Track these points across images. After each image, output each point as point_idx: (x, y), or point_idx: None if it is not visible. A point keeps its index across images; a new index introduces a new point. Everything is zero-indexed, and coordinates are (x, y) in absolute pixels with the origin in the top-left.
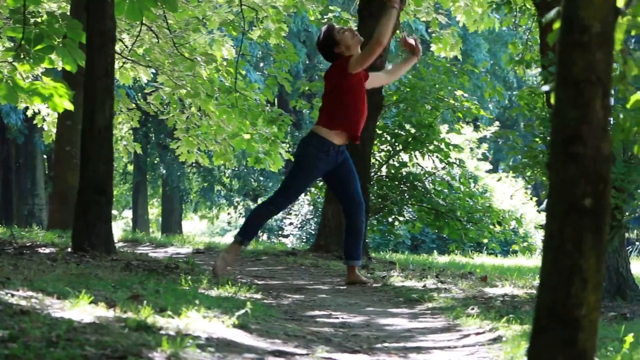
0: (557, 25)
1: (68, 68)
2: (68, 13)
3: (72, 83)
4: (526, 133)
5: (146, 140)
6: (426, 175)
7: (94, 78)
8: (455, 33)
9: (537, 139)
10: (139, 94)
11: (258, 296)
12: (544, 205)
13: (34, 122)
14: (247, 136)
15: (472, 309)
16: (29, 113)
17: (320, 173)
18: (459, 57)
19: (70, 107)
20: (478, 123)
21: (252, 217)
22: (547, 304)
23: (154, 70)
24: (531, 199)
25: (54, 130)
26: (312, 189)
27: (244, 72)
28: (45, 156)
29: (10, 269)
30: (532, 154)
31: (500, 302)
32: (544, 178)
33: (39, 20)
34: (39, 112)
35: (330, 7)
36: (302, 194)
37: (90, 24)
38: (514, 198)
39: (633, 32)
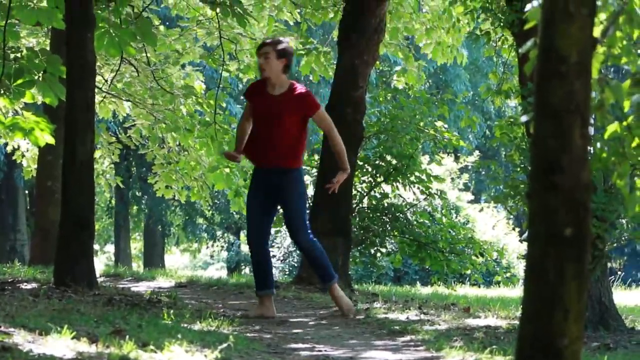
0: (533, 54)
1: (49, 102)
2: (48, 47)
3: (53, 117)
4: (507, 163)
5: (128, 174)
6: (408, 207)
7: (74, 111)
8: (421, 67)
9: (518, 169)
10: (119, 128)
11: (240, 329)
12: (526, 235)
13: (13, 157)
14: (227, 170)
15: (455, 340)
16: (9, 149)
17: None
18: (417, 90)
19: (51, 141)
20: (458, 154)
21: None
22: (530, 334)
23: (131, 105)
24: (513, 229)
25: (34, 166)
26: None
27: (224, 104)
28: (27, 191)
29: None
30: (513, 184)
31: (483, 333)
32: (525, 208)
33: (18, 55)
34: (19, 148)
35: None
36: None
37: (70, 57)
38: (496, 228)
39: (610, 62)
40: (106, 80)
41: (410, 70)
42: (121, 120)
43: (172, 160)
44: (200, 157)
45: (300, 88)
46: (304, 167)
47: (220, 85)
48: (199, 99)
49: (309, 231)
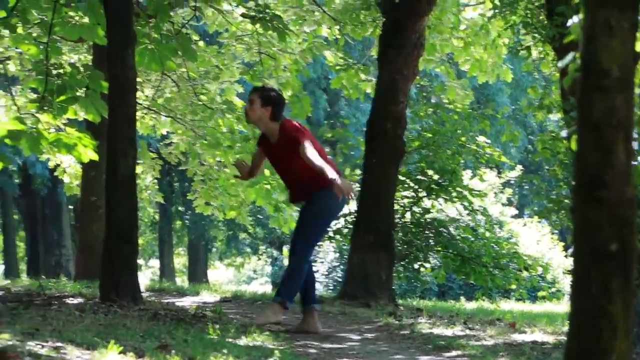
0: (572, 68)
1: (91, 118)
2: (90, 64)
3: (95, 133)
4: (550, 178)
5: (170, 189)
6: (451, 222)
7: (116, 127)
8: (466, 85)
9: (562, 184)
10: (160, 144)
11: (286, 345)
12: (571, 250)
13: (55, 173)
14: (267, 186)
15: (502, 355)
16: (51, 164)
17: None
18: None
19: (94, 156)
20: (501, 169)
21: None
22: (577, 350)
23: (170, 121)
24: (558, 243)
25: (76, 182)
26: (338, 236)
27: None
28: (70, 207)
29: (39, 320)
30: (556, 199)
31: (530, 348)
32: (569, 223)
33: (61, 71)
34: (61, 164)
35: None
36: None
37: (112, 73)
38: (541, 243)
39: None
40: (147, 96)
41: (451, 86)
42: (161, 137)
43: (212, 177)
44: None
45: (287, 127)
46: None
47: None
48: (239, 115)
49: (307, 250)
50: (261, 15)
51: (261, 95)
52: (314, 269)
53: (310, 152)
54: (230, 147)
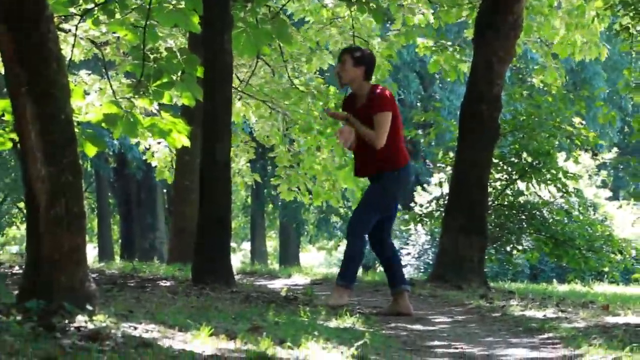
0: None
1: (187, 102)
2: (186, 48)
3: (189, 118)
4: None
5: (263, 173)
6: (544, 204)
7: (213, 112)
8: (560, 66)
9: None
10: (254, 126)
11: (376, 327)
12: None
13: (144, 157)
14: None
15: (595, 338)
16: (140, 148)
17: None
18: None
19: (187, 143)
20: (596, 151)
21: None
22: None
23: (264, 104)
24: None
25: (165, 166)
26: (429, 219)
27: None
28: (165, 190)
29: (132, 302)
30: None
31: (623, 331)
32: None
33: (157, 56)
34: (149, 148)
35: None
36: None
37: (208, 58)
38: (636, 225)
39: None
40: (241, 81)
41: (550, 67)
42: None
43: (299, 161)
44: (331, 157)
45: (377, 90)
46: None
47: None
48: (330, 99)
49: (360, 229)
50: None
51: (352, 55)
52: (404, 250)
53: (380, 136)
54: (321, 132)
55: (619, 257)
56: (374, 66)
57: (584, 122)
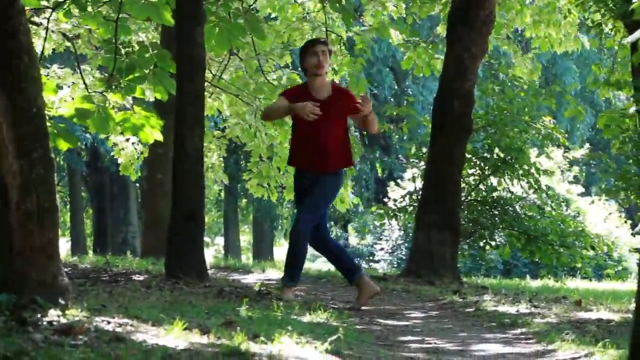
0: None
1: (159, 97)
2: (158, 42)
3: (162, 112)
4: (618, 155)
5: (237, 167)
6: (516, 200)
7: (184, 105)
8: (534, 59)
9: (630, 161)
10: (226, 122)
11: (350, 322)
12: (638, 228)
13: (112, 153)
14: None
15: (567, 333)
16: (109, 143)
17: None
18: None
19: (160, 138)
20: (567, 147)
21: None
22: None
23: (230, 100)
24: (625, 222)
25: (132, 163)
26: (403, 214)
27: None
28: (137, 184)
29: (105, 296)
30: (625, 177)
31: (595, 326)
32: (637, 200)
33: (129, 50)
34: (118, 144)
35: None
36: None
37: (180, 51)
38: (608, 221)
39: None
40: (214, 75)
41: (520, 62)
42: (225, 117)
43: (272, 154)
44: None
45: (340, 86)
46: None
47: None
48: None
49: (306, 226)
50: None
51: (329, 48)
52: (377, 245)
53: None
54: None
55: (591, 252)
56: None
57: (554, 120)
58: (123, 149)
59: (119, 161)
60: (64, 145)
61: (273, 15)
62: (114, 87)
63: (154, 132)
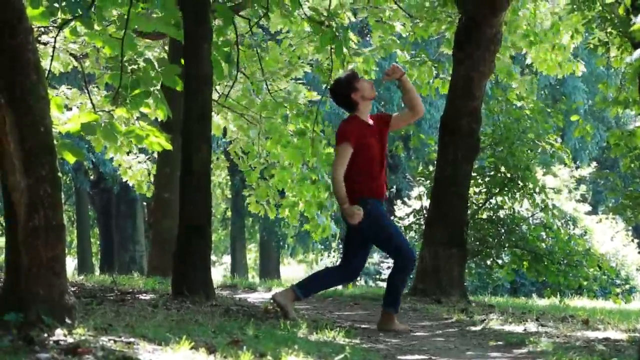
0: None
1: (161, 117)
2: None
3: (169, 130)
4: (626, 174)
5: (242, 186)
6: (523, 219)
7: (190, 122)
8: (534, 81)
9: (638, 180)
10: (227, 141)
11: (357, 341)
12: None
13: (118, 172)
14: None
15: (574, 352)
16: (115, 163)
17: None
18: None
19: (168, 145)
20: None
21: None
22: None
23: (241, 116)
24: (632, 240)
25: (140, 181)
26: (410, 233)
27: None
28: (144, 203)
29: (112, 316)
30: (632, 195)
31: (603, 345)
32: None
33: (135, 67)
34: (122, 164)
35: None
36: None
37: (187, 69)
38: (615, 240)
39: None
40: (220, 94)
41: (520, 83)
42: (228, 138)
43: (268, 175)
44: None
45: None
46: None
47: (323, 97)
48: (307, 112)
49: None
50: (327, 24)
51: (364, 80)
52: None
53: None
54: (297, 147)
55: (597, 272)
56: None
57: (559, 139)
58: (130, 167)
59: (126, 180)
60: (70, 158)
61: (284, 30)
62: (119, 103)
63: (160, 141)
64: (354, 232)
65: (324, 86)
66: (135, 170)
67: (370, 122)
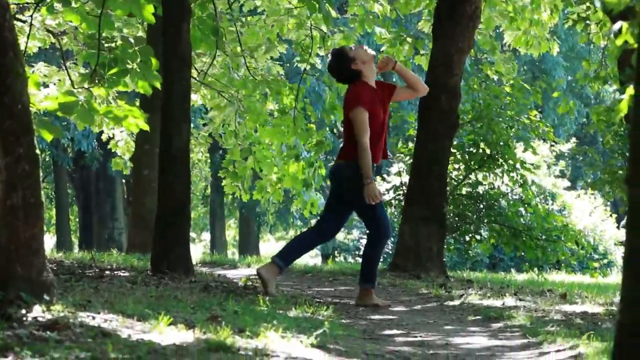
0: (621, 39)
1: (142, 91)
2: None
3: (149, 108)
4: (605, 149)
5: (222, 164)
6: (502, 195)
7: (170, 102)
8: (512, 58)
9: (616, 155)
10: (207, 117)
11: (336, 316)
12: (624, 222)
13: (108, 146)
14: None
15: (552, 326)
16: (104, 137)
17: None
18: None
19: (145, 126)
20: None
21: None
22: (629, 320)
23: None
24: (610, 215)
25: (127, 156)
26: (390, 209)
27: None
28: (124, 180)
29: (91, 292)
30: (610, 170)
31: (580, 319)
32: (623, 194)
33: (113, 45)
34: (113, 137)
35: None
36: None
37: (167, 48)
38: (593, 215)
39: None
40: (199, 72)
41: (498, 60)
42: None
43: (248, 155)
44: (280, 152)
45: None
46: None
47: (304, 74)
48: (283, 89)
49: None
50: None
51: (356, 47)
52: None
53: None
54: (274, 125)
55: (574, 247)
56: None
57: (540, 115)
58: (118, 142)
59: (118, 153)
60: (48, 136)
61: (259, 10)
62: (97, 81)
63: (137, 122)
64: (340, 197)
65: (302, 66)
66: (122, 143)
67: (375, 88)
